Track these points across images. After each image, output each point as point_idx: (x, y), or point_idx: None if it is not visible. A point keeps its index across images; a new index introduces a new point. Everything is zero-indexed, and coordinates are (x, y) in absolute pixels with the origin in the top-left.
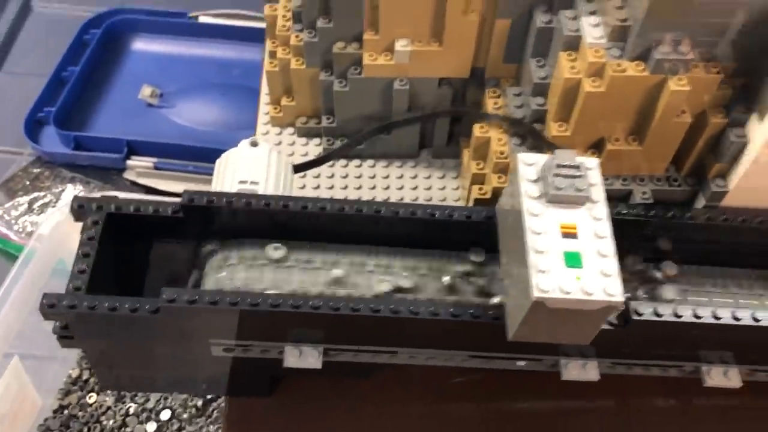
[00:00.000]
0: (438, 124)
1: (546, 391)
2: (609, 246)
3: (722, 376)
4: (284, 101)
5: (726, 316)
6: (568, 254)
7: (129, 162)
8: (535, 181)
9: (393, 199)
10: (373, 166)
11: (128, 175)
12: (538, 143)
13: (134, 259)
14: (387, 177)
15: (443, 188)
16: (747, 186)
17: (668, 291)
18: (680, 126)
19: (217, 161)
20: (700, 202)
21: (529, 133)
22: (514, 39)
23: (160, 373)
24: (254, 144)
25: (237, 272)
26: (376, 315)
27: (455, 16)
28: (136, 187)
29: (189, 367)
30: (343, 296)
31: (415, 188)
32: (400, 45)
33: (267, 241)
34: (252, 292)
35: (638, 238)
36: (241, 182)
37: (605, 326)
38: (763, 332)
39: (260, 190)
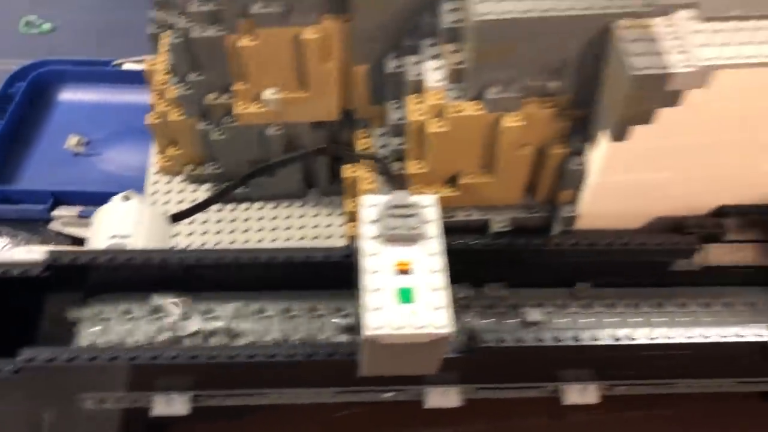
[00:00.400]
0: (319, 164)
1: (426, 418)
2: (441, 280)
3: (579, 394)
4: (171, 150)
5: (567, 338)
6: (402, 290)
7: (53, 213)
8: (375, 221)
9: (280, 240)
10: (262, 208)
11: (53, 226)
12: (392, 181)
13: (21, 317)
14: (275, 218)
15: (330, 225)
16: (593, 210)
17: (533, 314)
18: (523, 158)
19: (91, 218)
20: (557, 228)
21: (383, 172)
22: (374, 83)
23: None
24: (126, 198)
25: (111, 326)
26: (232, 361)
27: (314, 65)
28: (61, 237)
29: (67, 420)
30: (212, 345)
31: (302, 228)
32: (269, 93)
33: (141, 294)
34: (109, 346)
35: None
36: (112, 237)
37: (454, 354)
38: (610, 350)
39: (131, 244)
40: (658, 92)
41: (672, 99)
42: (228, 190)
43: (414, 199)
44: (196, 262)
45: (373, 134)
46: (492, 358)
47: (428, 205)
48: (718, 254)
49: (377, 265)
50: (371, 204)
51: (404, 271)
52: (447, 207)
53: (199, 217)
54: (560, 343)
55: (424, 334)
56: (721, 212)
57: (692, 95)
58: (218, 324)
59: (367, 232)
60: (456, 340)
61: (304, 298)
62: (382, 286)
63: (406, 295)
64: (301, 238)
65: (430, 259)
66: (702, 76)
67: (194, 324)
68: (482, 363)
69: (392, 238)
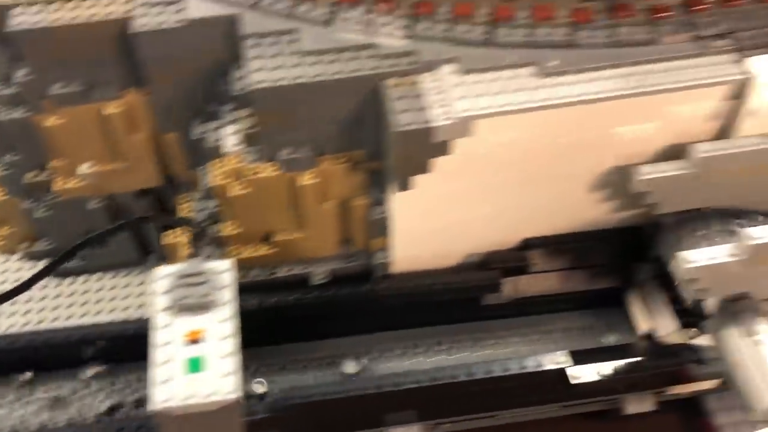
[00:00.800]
0: (151, 230)
1: None
2: (230, 345)
3: None
4: (3, 230)
5: (371, 387)
6: (191, 360)
7: None
8: (167, 292)
9: (119, 310)
10: (100, 279)
11: None
12: (211, 244)
13: None
14: (113, 289)
15: None
16: (405, 254)
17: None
18: (327, 212)
19: None
20: (376, 274)
21: (200, 236)
22: (189, 149)
23: None
24: None
25: None
26: None
27: (123, 137)
28: None
29: None
30: None
31: (141, 295)
32: (85, 168)
33: None
34: None
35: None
36: None
37: (265, 414)
38: (426, 391)
39: None
40: (425, 145)
41: (442, 149)
42: (51, 267)
43: (208, 265)
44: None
45: (193, 198)
46: (306, 413)
47: (223, 270)
48: (527, 285)
49: (168, 337)
50: (164, 275)
51: (195, 340)
52: (268, 264)
53: (35, 294)
54: (368, 392)
55: (212, 402)
56: (527, 245)
57: (460, 144)
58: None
59: (159, 303)
60: (265, 400)
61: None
62: (172, 357)
63: (196, 364)
64: (140, 306)
65: (221, 326)
66: (463, 127)
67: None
68: (298, 419)
69: (183, 308)
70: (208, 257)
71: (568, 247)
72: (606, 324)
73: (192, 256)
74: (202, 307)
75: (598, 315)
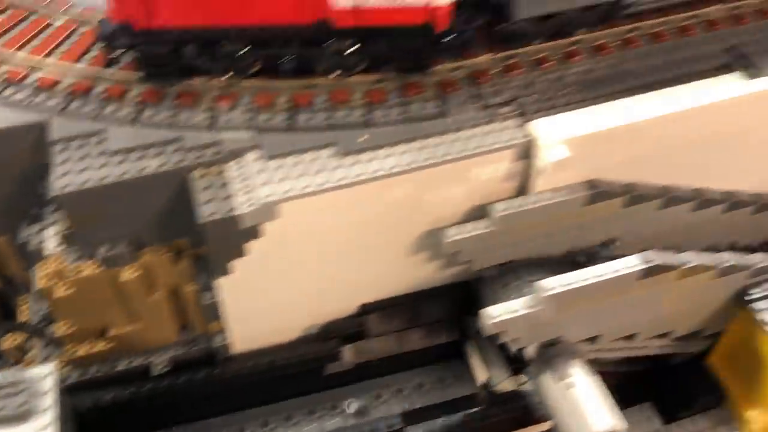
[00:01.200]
0: None
1: None
2: None
3: None
4: None
5: None
6: None
7: None
8: None
9: None
10: None
11: None
12: (50, 345)
13: None
14: None
15: None
16: (245, 334)
17: None
18: (157, 303)
19: None
20: (219, 357)
21: (34, 337)
22: (20, 252)
23: None
24: None
25: None
26: None
27: None
28: None
29: None
30: None
31: None
32: None
33: None
34: None
35: None
36: None
37: None
38: None
39: None
40: (234, 231)
41: (252, 233)
42: None
43: (27, 373)
44: None
45: (30, 299)
46: None
47: (43, 376)
48: (368, 349)
49: None
50: None
51: None
52: (108, 358)
53: None
54: None
55: None
56: (365, 310)
57: (270, 227)
58: None
59: None
60: None
61: None
62: None
63: None
64: None
65: None
66: (268, 211)
67: None
68: None
69: None
70: (47, 359)
71: (403, 307)
72: (457, 377)
73: (18, 362)
74: (19, 417)
75: (450, 368)
